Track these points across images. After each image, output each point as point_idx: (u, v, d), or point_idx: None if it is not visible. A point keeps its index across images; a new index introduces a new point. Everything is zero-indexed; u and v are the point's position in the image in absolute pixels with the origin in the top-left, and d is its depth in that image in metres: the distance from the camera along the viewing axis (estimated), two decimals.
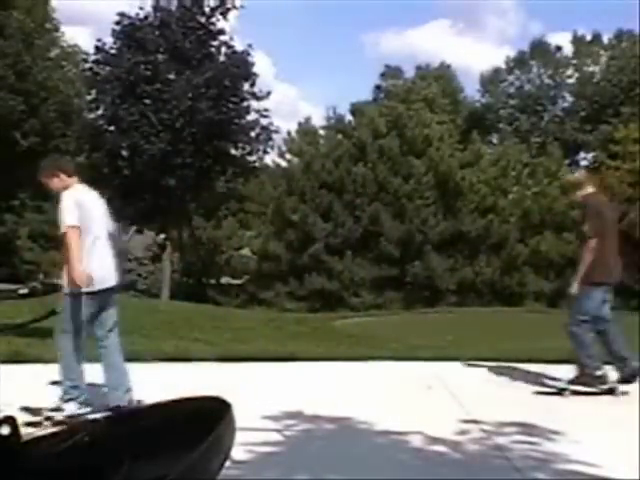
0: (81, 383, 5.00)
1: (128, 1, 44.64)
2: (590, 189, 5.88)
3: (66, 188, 4.89)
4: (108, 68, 21.70)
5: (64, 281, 4.96)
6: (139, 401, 4.83)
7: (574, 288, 5.73)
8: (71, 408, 4.87)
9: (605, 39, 38.93)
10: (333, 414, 4.85)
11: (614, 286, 6.09)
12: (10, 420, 0.95)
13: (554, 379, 6.00)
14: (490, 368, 6.94)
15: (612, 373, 5.80)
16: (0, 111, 17.98)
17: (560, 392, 5.69)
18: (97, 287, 4.91)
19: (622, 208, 6.29)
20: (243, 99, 22.41)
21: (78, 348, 5.03)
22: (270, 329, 11.06)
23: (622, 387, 5.70)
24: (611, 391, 5.68)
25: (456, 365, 7.26)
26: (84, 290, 4.83)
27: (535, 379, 6.26)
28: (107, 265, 5.03)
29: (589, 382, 5.69)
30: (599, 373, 5.71)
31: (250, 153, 23.04)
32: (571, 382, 5.73)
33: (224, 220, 31.04)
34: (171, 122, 20.91)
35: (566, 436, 4.31)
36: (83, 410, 4.85)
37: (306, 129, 34.73)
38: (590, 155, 35.95)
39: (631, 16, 56.61)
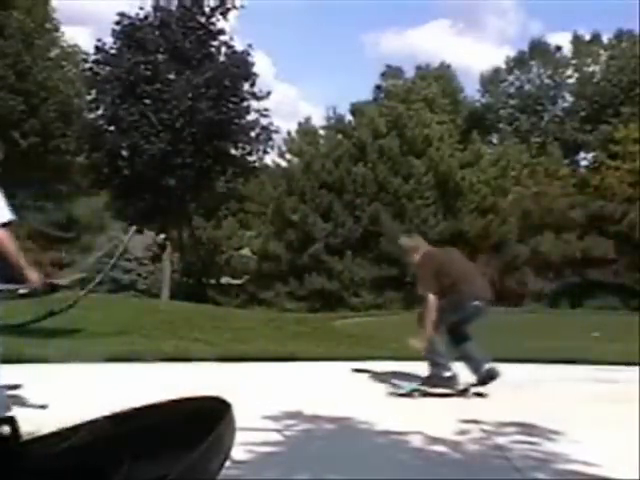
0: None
1: (128, 1, 44.56)
2: (424, 248, 6.10)
3: None
4: (108, 68, 21.69)
5: None
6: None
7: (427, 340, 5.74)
8: None
9: (605, 39, 38.96)
10: (333, 414, 4.85)
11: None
12: (10, 420, 0.95)
13: (409, 379, 6.00)
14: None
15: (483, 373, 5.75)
16: (0, 111, 18.00)
17: (411, 393, 5.66)
18: None
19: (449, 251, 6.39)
20: (243, 99, 22.40)
21: None
22: (270, 329, 11.05)
23: (478, 389, 5.69)
24: (464, 392, 5.68)
25: (456, 365, 7.25)
26: None
27: (391, 379, 6.25)
28: None
29: (439, 383, 5.69)
30: (448, 374, 5.70)
31: (250, 153, 23.03)
32: (422, 383, 5.73)
33: (224, 220, 31.01)
34: (171, 122, 20.90)
35: (566, 436, 4.31)
36: None
37: (306, 129, 34.72)
38: (590, 155, 35.96)
39: (631, 16, 56.54)
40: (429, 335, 5.71)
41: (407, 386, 5.82)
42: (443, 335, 5.89)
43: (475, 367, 5.78)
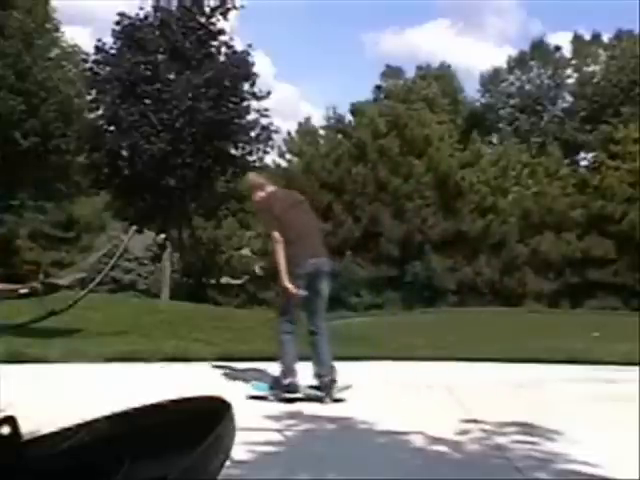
0: None
1: (128, 1, 44.60)
2: (270, 188, 5.80)
3: None
4: (108, 68, 21.67)
5: None
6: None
7: (286, 285, 5.37)
8: None
9: (605, 39, 38.97)
10: (333, 414, 4.85)
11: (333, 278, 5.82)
12: (10, 420, 0.95)
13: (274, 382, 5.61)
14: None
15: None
16: (0, 111, 17.99)
17: (266, 397, 5.38)
18: None
19: (298, 196, 5.86)
20: (243, 99, 22.39)
21: None
22: (270, 329, 11.02)
23: (339, 394, 5.42)
24: (320, 399, 5.39)
25: (456, 365, 7.26)
26: None
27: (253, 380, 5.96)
28: None
29: (282, 389, 5.43)
30: (287, 382, 5.45)
31: (250, 153, 23.02)
32: (271, 388, 5.49)
33: (224, 220, 31.00)
34: (171, 122, 20.89)
35: (566, 436, 4.31)
36: None
37: (306, 129, 34.71)
38: (590, 155, 35.96)
39: (631, 16, 56.61)
40: (283, 273, 5.35)
41: (261, 387, 5.54)
42: (291, 336, 5.58)
43: (320, 369, 5.54)
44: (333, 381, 5.47)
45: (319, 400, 5.37)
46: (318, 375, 5.52)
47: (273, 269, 5.64)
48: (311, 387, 5.55)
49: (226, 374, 6.50)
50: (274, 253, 5.51)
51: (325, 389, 5.45)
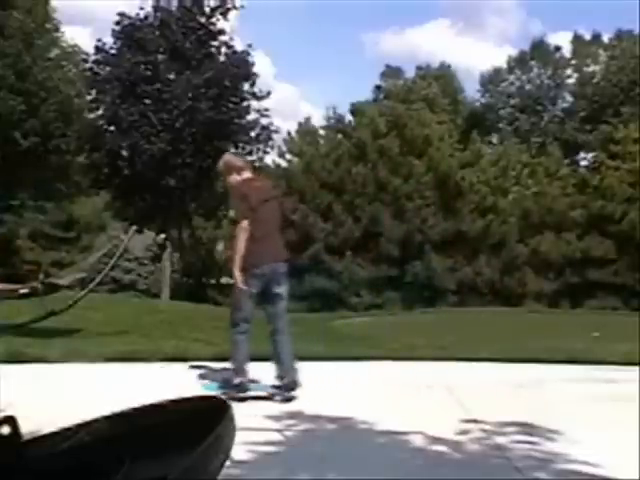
0: None
1: (128, 1, 44.62)
2: (246, 174, 5.60)
3: None
4: (108, 68, 21.68)
5: None
6: None
7: (238, 280, 5.26)
8: None
9: (605, 39, 38.97)
10: (333, 414, 4.86)
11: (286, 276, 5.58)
12: (10, 420, 0.95)
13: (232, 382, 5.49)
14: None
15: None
16: (0, 111, 17.99)
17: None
18: None
19: (276, 193, 6.33)
20: (243, 99, 22.40)
21: None
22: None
23: (289, 394, 5.34)
24: (271, 398, 5.31)
25: (456, 365, 7.26)
26: None
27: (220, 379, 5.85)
28: None
29: (232, 389, 5.30)
30: (237, 381, 5.32)
31: (250, 153, 23.02)
32: (221, 387, 5.41)
33: (224, 220, 31.01)
34: (171, 122, 20.90)
35: (566, 436, 4.31)
36: None
37: (306, 129, 34.70)
38: (590, 155, 35.96)
39: (631, 16, 56.59)
40: (238, 263, 5.23)
41: (211, 387, 5.44)
42: (244, 335, 5.40)
43: (281, 370, 5.40)
44: (294, 382, 5.35)
45: (270, 398, 5.30)
46: (280, 377, 5.40)
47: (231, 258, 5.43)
48: (273, 387, 5.44)
49: (201, 375, 6.40)
50: (236, 240, 5.30)
51: (286, 390, 5.33)
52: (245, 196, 5.41)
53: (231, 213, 5.59)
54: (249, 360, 5.46)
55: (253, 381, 5.55)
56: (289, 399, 5.28)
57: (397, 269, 28.30)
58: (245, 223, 5.26)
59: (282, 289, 5.49)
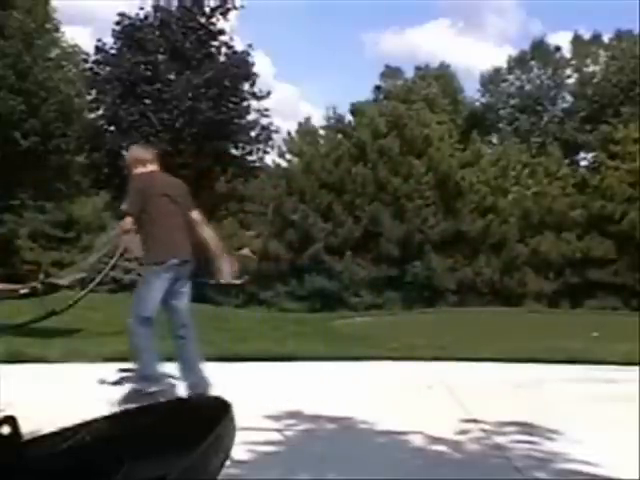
0: None
1: (128, 1, 44.59)
2: (152, 167, 5.39)
3: None
4: (108, 68, 21.72)
5: None
6: None
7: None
8: None
9: (605, 39, 38.97)
10: (333, 414, 4.85)
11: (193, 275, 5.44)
12: (10, 420, 0.95)
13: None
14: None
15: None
16: (0, 111, 17.98)
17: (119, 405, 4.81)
18: None
19: (177, 183, 5.54)
20: (243, 99, 22.44)
21: None
22: (270, 329, 11.04)
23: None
24: None
25: (456, 365, 7.26)
26: None
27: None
28: None
29: (140, 400, 4.69)
30: (151, 390, 5.00)
31: (250, 153, 23.06)
32: (123, 401, 4.92)
33: (224, 220, 31.01)
34: (171, 122, 20.93)
35: (566, 436, 4.31)
36: None
37: (306, 129, 34.70)
38: (590, 155, 35.96)
39: (631, 16, 56.59)
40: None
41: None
42: (150, 334, 5.13)
43: (190, 377, 5.14)
44: (202, 387, 5.09)
45: None
46: (188, 385, 5.13)
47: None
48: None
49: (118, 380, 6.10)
50: (119, 236, 5.13)
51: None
52: (139, 191, 5.18)
53: (123, 206, 5.13)
54: (158, 363, 5.19)
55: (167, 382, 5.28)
56: None
57: (397, 269, 28.29)
58: (128, 220, 5.07)
59: (184, 289, 5.32)
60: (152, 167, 5.39)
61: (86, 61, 22.27)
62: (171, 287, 5.14)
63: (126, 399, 4.91)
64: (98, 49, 21.98)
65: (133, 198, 5.16)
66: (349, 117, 34.49)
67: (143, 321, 5.12)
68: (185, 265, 5.25)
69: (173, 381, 5.39)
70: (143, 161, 5.38)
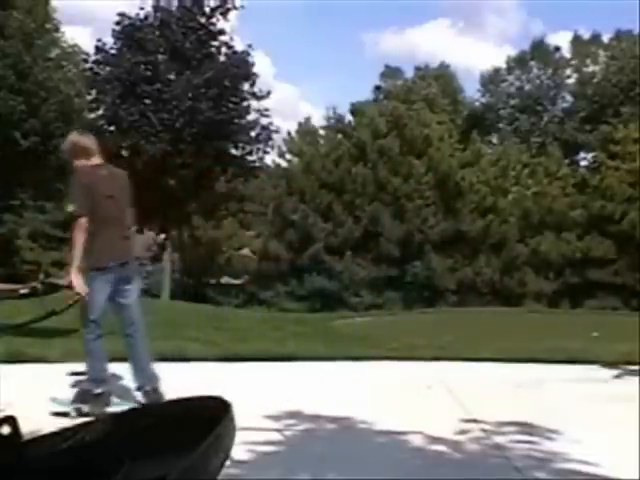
0: None
1: (128, 1, 44.65)
2: (96, 160, 5.01)
3: None
4: (108, 68, 21.71)
5: None
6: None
7: (76, 282, 4.77)
8: None
9: (605, 39, 38.98)
10: (333, 414, 4.86)
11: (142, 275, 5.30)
12: (10, 420, 0.95)
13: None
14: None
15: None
16: (0, 111, 17.97)
17: (67, 414, 4.68)
18: None
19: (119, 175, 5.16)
20: (243, 99, 22.43)
21: None
22: (270, 329, 11.04)
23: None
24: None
25: (456, 365, 7.26)
26: None
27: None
28: None
29: (89, 400, 4.77)
30: (98, 391, 4.82)
31: (250, 153, 23.05)
32: (74, 401, 4.81)
33: (224, 220, 31.03)
34: (171, 122, 20.92)
35: (565, 436, 4.31)
36: None
37: (306, 129, 34.72)
38: (590, 155, 35.96)
39: (631, 16, 56.65)
40: (76, 264, 4.74)
41: (62, 401, 4.85)
42: (98, 338, 4.93)
43: (141, 377, 4.97)
44: (155, 390, 4.93)
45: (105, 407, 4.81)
46: (139, 387, 4.97)
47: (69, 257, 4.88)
48: (141, 397, 4.99)
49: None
50: (75, 239, 4.77)
51: (147, 398, 4.89)
52: (85, 189, 4.86)
53: (70, 207, 4.77)
54: (107, 365, 5.01)
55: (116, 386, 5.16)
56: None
57: (397, 269, 28.31)
58: (83, 220, 4.76)
59: (130, 286, 5.06)
60: (96, 160, 5.01)
61: (86, 61, 22.25)
62: (116, 286, 4.93)
63: (75, 400, 4.81)
64: (98, 49, 21.97)
65: (81, 197, 4.85)
66: (349, 117, 34.55)
67: (89, 324, 4.94)
68: (127, 265, 5.02)
69: (123, 381, 5.31)
70: (87, 151, 4.98)
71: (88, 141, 5.06)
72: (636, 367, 6.67)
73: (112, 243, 4.91)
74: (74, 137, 5.15)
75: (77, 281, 4.78)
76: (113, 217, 4.94)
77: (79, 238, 4.75)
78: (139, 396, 4.99)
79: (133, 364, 5.05)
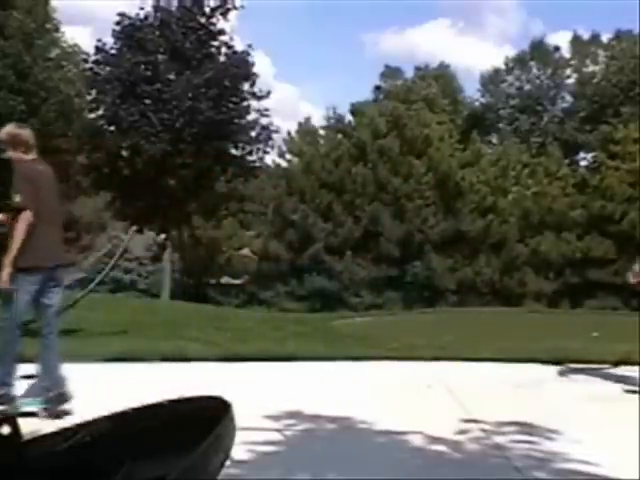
0: None
1: (128, 1, 44.68)
2: (32, 155, 4.87)
3: None
4: (108, 68, 21.70)
5: None
6: None
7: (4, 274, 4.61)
8: None
9: (605, 39, 38.97)
10: (333, 414, 4.86)
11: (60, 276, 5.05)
12: (10, 420, 0.95)
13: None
14: None
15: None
16: (0, 111, 17.97)
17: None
18: None
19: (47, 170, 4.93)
20: (243, 99, 22.43)
21: None
22: (270, 329, 11.05)
23: (59, 408, 4.73)
24: (32, 414, 4.60)
25: (456, 365, 7.26)
26: None
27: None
28: None
29: None
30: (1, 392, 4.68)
31: (250, 153, 23.05)
32: None
33: (224, 220, 31.03)
34: (171, 122, 20.92)
35: (565, 436, 4.31)
36: None
37: (306, 129, 34.71)
38: (590, 155, 35.95)
39: (631, 16, 56.66)
40: (10, 260, 4.59)
41: None
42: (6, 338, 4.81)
43: (48, 379, 4.81)
44: (61, 395, 4.76)
45: (37, 415, 4.66)
46: (47, 389, 4.81)
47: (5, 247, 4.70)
48: (43, 401, 4.81)
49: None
50: (19, 232, 4.58)
51: (56, 404, 4.74)
52: (32, 180, 4.74)
53: (16, 198, 4.60)
54: (16, 368, 4.87)
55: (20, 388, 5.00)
56: (59, 415, 4.63)
57: (397, 269, 28.31)
58: (29, 214, 4.62)
59: (56, 289, 4.96)
60: (32, 155, 4.88)
61: (86, 61, 22.24)
62: (42, 286, 4.83)
63: None
64: (98, 49, 21.97)
65: (25, 190, 4.68)
66: (349, 117, 34.55)
67: (7, 325, 4.86)
68: (57, 269, 4.94)
69: (29, 383, 5.10)
70: (26, 145, 4.85)
71: (28, 134, 4.94)
72: (636, 367, 6.66)
73: (47, 244, 4.78)
74: (13, 129, 4.99)
75: (5, 276, 4.60)
76: (50, 215, 4.81)
77: (23, 230, 4.60)
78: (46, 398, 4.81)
79: (42, 365, 4.91)
